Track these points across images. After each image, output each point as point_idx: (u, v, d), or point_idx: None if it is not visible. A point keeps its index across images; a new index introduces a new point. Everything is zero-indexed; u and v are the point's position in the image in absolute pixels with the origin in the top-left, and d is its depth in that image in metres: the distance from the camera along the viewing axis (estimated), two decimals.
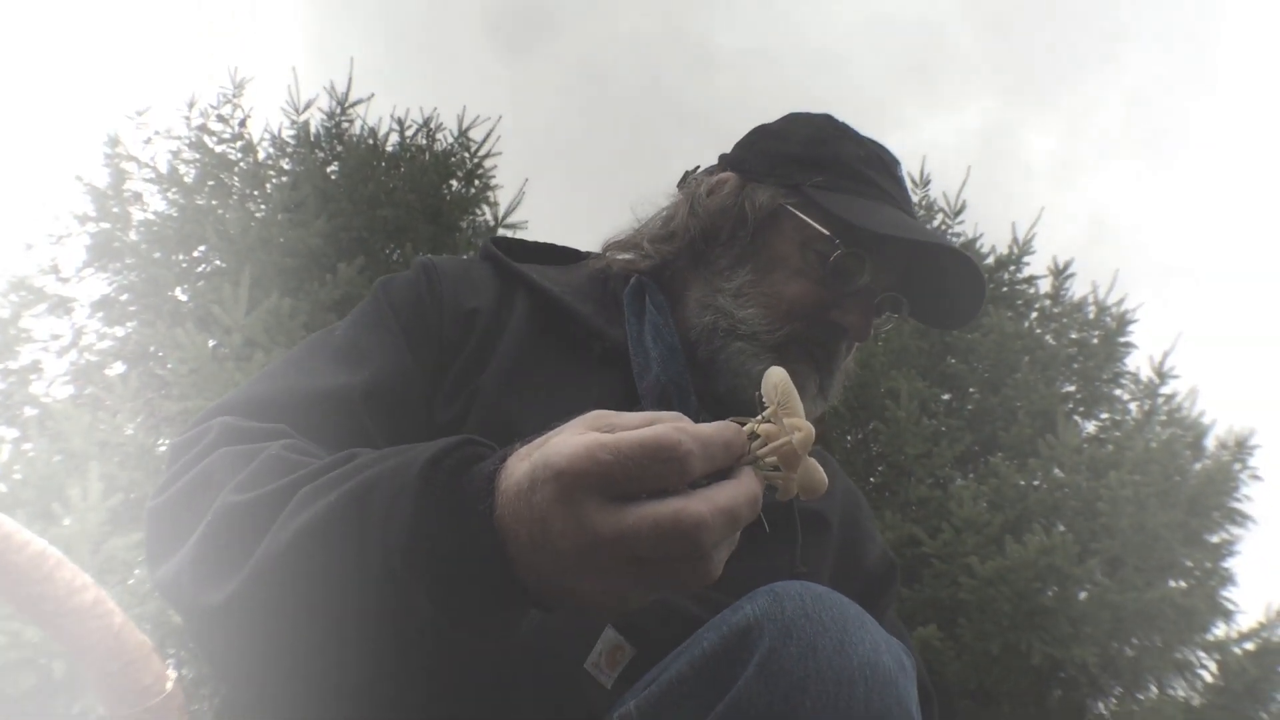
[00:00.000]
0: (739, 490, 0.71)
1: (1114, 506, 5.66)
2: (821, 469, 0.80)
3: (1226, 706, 5.40)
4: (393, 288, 1.24)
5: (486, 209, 7.67)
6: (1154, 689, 5.71)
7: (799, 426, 0.78)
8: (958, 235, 7.81)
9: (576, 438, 0.71)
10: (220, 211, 6.44)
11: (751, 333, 1.24)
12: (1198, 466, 6.04)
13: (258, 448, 0.96)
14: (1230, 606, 5.65)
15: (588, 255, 1.46)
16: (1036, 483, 6.25)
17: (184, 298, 6.42)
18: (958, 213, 7.77)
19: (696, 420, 1.13)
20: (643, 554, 0.68)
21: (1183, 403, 6.59)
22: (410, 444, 0.95)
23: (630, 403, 1.17)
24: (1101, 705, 5.89)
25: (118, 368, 6.13)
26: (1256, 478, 6.01)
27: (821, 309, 1.25)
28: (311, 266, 6.58)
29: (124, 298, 6.36)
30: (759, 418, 0.79)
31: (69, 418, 4.90)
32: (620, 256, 1.37)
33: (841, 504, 1.40)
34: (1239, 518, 5.93)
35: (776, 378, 0.81)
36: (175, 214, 6.48)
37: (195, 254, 6.62)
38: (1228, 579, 5.72)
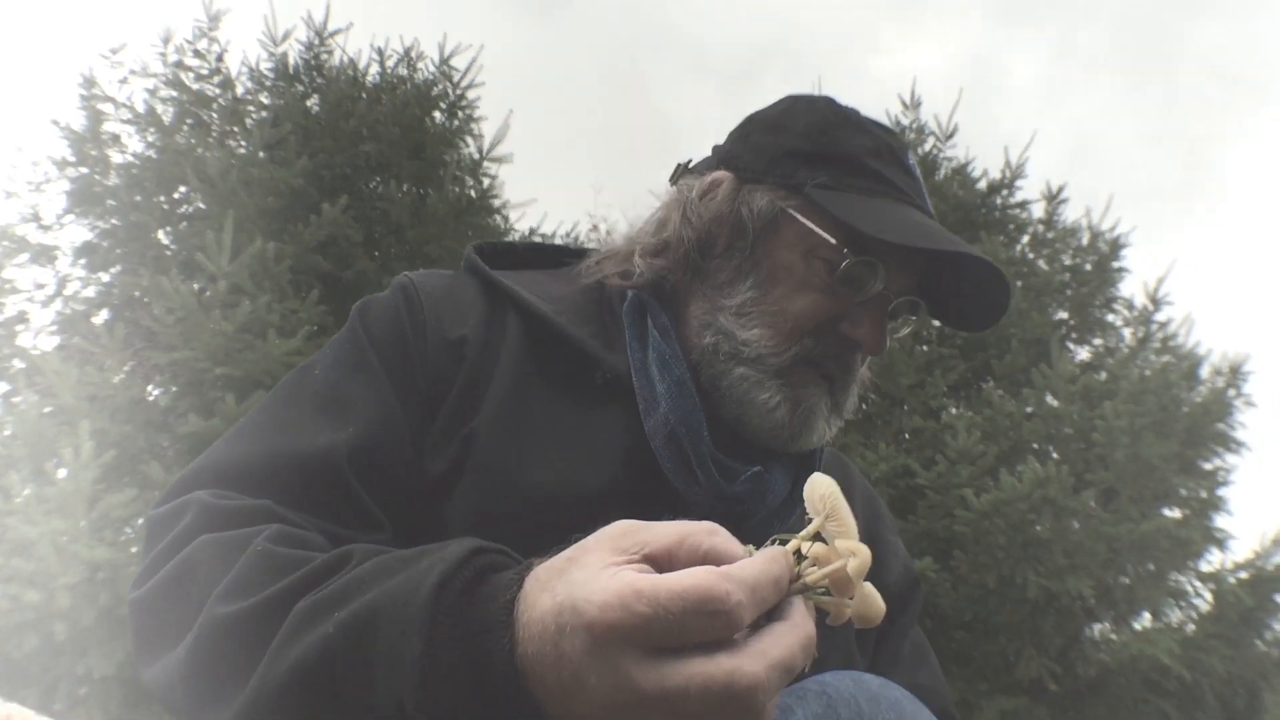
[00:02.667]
0: (794, 638, 0.66)
1: (1109, 437, 5.68)
2: (879, 595, 0.74)
3: (1222, 635, 5.48)
4: (370, 317, 1.15)
5: (470, 141, 7.53)
6: (1148, 617, 5.79)
7: (854, 550, 0.72)
8: (949, 159, 7.72)
9: (607, 580, 0.65)
10: (200, 151, 6.28)
11: (756, 356, 1.13)
12: (1193, 396, 6.05)
13: (242, 537, 0.89)
14: (1224, 535, 5.71)
15: (581, 253, 1.35)
16: (1030, 411, 6.26)
17: (167, 241, 6.29)
18: (949, 136, 7.68)
19: (706, 463, 1.07)
20: (690, 714, 0.63)
21: (1177, 330, 6.60)
22: (407, 547, 0.87)
23: (636, 442, 1.09)
24: (1097, 633, 5.98)
25: (103, 315, 6.04)
26: (1250, 404, 6.03)
27: (831, 322, 1.14)
28: (295, 207, 6.46)
29: (106, 244, 6.23)
30: (805, 534, 0.74)
31: (57, 372, 4.84)
32: (613, 274, 1.24)
33: (864, 521, 1.29)
34: (1234, 444, 5.97)
35: (823, 489, 0.74)
36: (154, 155, 6.32)
37: (176, 195, 6.48)
38: (1222, 506, 5.77)
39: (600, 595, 0.63)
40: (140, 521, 5.31)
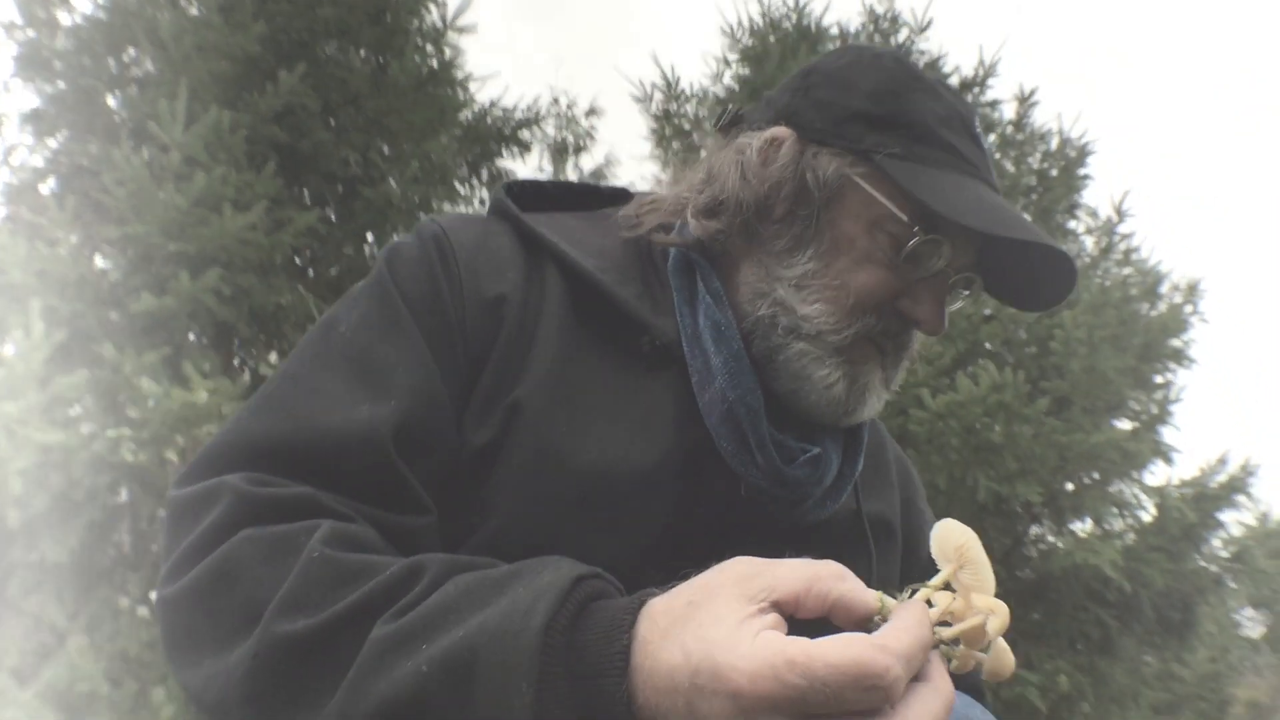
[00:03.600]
0: (938, 704, 0.64)
1: (1066, 347, 5.73)
2: (1010, 651, 0.72)
3: (1162, 548, 5.65)
4: (402, 272, 1.05)
5: (434, 9, 7.25)
6: (1091, 525, 5.96)
7: (993, 609, 0.70)
8: (922, 53, 7.57)
9: (752, 643, 0.62)
10: (151, 12, 5.98)
11: (816, 333, 1.06)
12: (1152, 313, 6.12)
13: (289, 536, 0.84)
14: (1171, 449, 5.85)
15: (614, 196, 1.26)
16: (989, 314, 6.29)
17: (117, 107, 6.04)
18: (924, 29, 7.52)
19: (766, 445, 1.03)
20: None
21: (1139, 246, 6.63)
22: (449, 527, 0.85)
23: (688, 415, 1.04)
24: (1041, 539, 6.16)
25: (51, 185, 5.82)
26: (1204, 320, 6.12)
27: (891, 299, 1.08)
28: (251, 74, 6.22)
29: (54, 110, 5.97)
30: (937, 583, 0.71)
31: (5, 247, 4.68)
32: (659, 235, 1.15)
33: (900, 491, 1.28)
34: (1186, 360, 6.07)
35: (958, 539, 0.71)
36: (104, 17, 6.01)
37: (126, 59, 6.20)
38: (1170, 421, 5.89)
39: (748, 664, 0.61)
40: (84, 402, 5.23)
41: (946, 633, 0.69)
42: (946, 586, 0.72)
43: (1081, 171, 7.02)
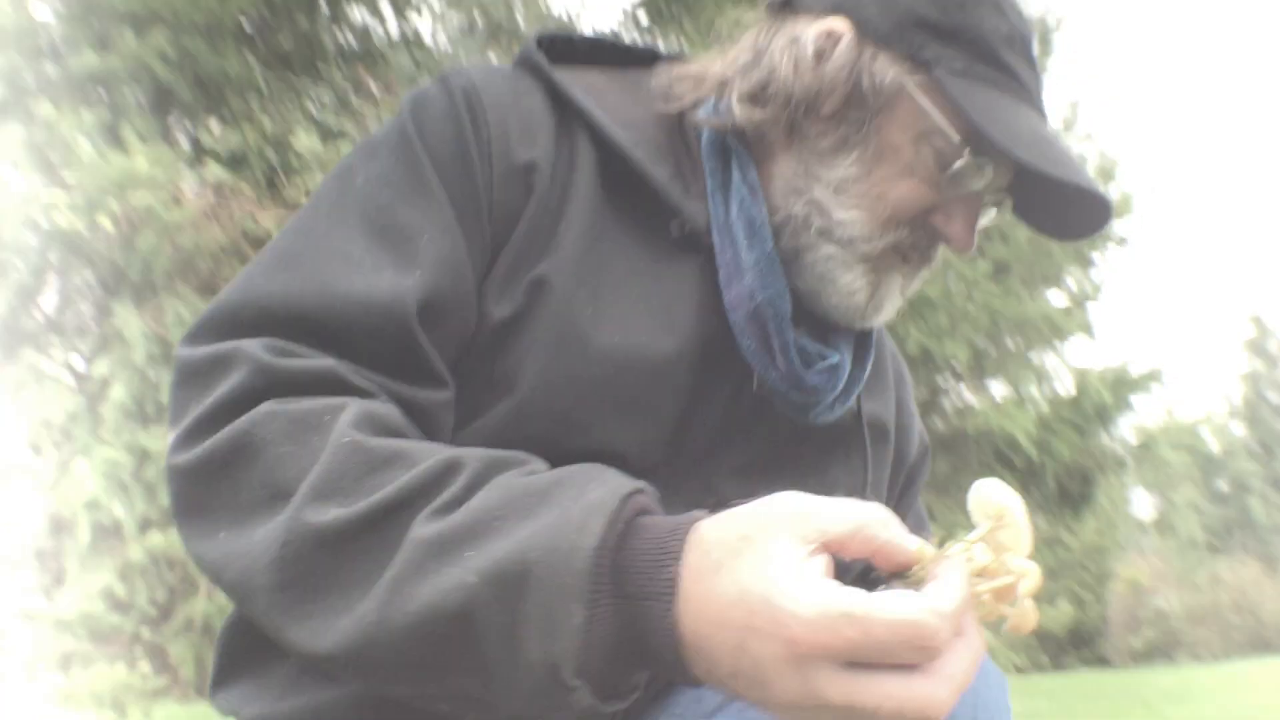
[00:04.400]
0: (972, 659, 0.66)
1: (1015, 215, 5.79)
2: (1035, 611, 0.74)
3: (1073, 423, 5.86)
4: (429, 128, 1.00)
5: None
6: (1008, 390, 6.15)
7: (1026, 571, 0.72)
8: None
9: (812, 591, 0.64)
10: None
11: (849, 239, 1.04)
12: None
13: (315, 414, 0.82)
14: (1093, 329, 6.01)
15: (645, 56, 1.20)
16: None
17: None
18: None
19: (789, 349, 1.01)
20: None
21: (1098, 125, 6.64)
22: (465, 403, 0.85)
23: (711, 308, 1.02)
24: (959, 398, 6.34)
25: None
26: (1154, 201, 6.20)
27: (924, 213, 1.06)
28: None
29: None
30: (975, 539, 0.72)
31: None
32: (695, 114, 1.10)
33: (894, 392, 1.28)
34: (1122, 241, 6.18)
35: (1001, 502, 0.73)
36: None
37: None
38: (1098, 298, 6.03)
39: (808, 613, 0.62)
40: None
41: (983, 589, 0.71)
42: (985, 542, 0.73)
43: (1048, 47, 6.97)
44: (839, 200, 1.04)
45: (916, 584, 0.67)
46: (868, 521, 0.68)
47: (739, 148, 1.09)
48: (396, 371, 0.90)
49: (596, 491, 0.71)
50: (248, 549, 0.78)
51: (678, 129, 1.10)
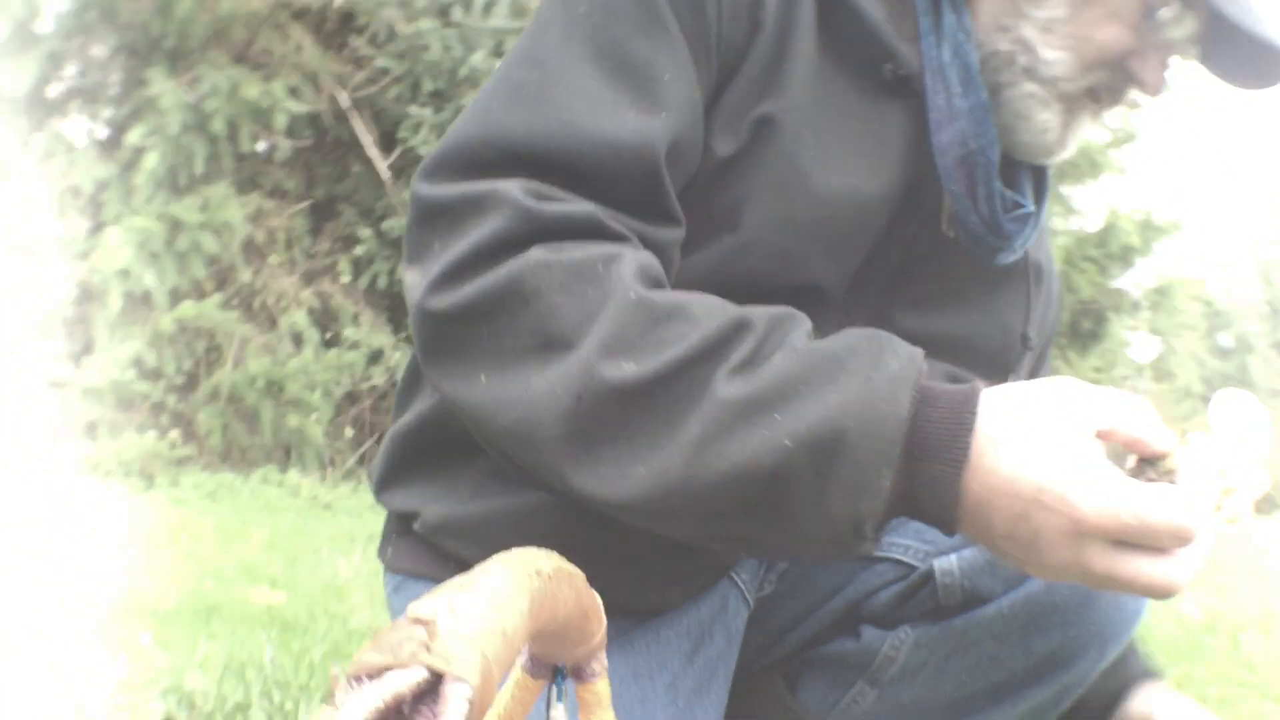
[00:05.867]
0: (1206, 551, 0.75)
1: None
2: (1251, 515, 0.82)
3: (1096, 260, 5.83)
4: None
5: None
6: None
7: (1259, 483, 0.80)
8: None
9: (1103, 480, 0.72)
10: None
11: (1052, 79, 1.04)
12: None
13: (589, 265, 0.82)
14: (1123, 170, 5.90)
15: None
16: None
17: None
18: None
19: (994, 197, 1.03)
20: (1116, 591, 0.77)
21: None
22: (801, 323, 0.84)
23: (916, 151, 1.03)
24: None
25: None
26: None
27: (1123, 56, 1.05)
28: None
29: None
30: (1219, 444, 0.80)
31: None
32: None
33: (1046, 237, 1.29)
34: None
35: (1251, 417, 0.80)
36: None
37: None
38: (1135, 141, 5.90)
39: (1096, 497, 0.71)
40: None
41: (1217, 497, 0.79)
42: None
43: None
44: (1046, 39, 1.04)
45: (1166, 474, 0.76)
46: (1135, 414, 0.76)
47: None
48: (643, 213, 0.91)
49: (894, 361, 0.77)
50: (526, 397, 0.81)
51: None
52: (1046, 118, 1.05)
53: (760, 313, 0.82)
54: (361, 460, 7.69)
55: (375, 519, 5.40)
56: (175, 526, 4.53)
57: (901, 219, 1.05)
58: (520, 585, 0.47)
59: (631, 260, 0.84)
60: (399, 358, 7.70)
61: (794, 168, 0.97)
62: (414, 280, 0.87)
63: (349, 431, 7.80)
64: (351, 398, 7.83)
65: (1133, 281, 6.64)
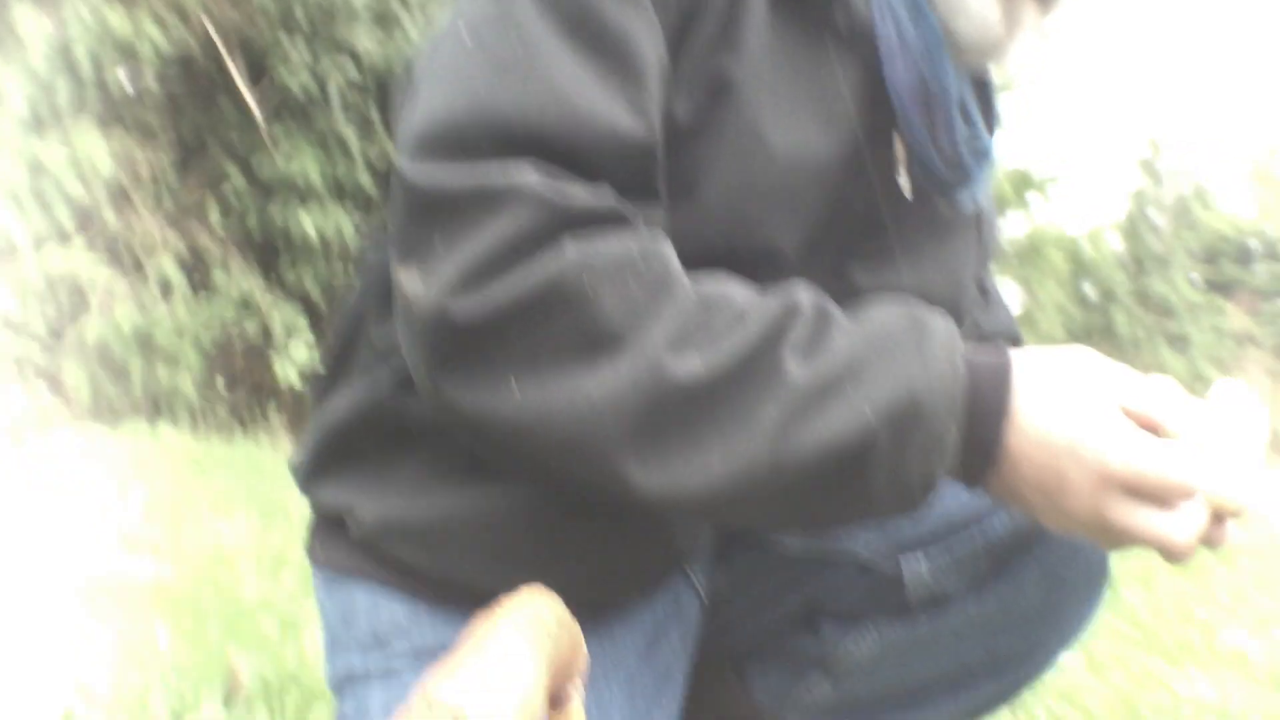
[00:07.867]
0: (1208, 514, 0.79)
1: None
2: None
3: None
4: None
5: None
6: None
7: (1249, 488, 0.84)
8: None
9: (1133, 439, 0.77)
10: None
11: None
12: None
13: (627, 258, 0.79)
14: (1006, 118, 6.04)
15: None
16: None
17: None
18: None
19: (953, 124, 0.99)
20: (1126, 543, 0.80)
21: None
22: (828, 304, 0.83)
23: (871, 97, 0.98)
24: None
25: None
26: None
27: None
28: None
29: None
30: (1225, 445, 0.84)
31: None
32: None
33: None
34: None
35: (1247, 409, 0.85)
36: None
37: None
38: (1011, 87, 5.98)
39: (1127, 454, 0.76)
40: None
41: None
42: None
43: None
44: None
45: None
46: (1154, 394, 0.81)
47: None
48: (639, 194, 0.86)
49: (937, 328, 0.80)
50: (579, 403, 0.77)
51: None
52: (981, 5, 0.98)
53: (800, 294, 0.82)
54: (232, 411, 7.53)
55: (255, 478, 5.35)
56: (49, 488, 4.36)
57: (859, 173, 1.02)
58: (538, 650, 0.46)
59: (664, 249, 0.82)
60: (269, 304, 7.53)
61: (753, 133, 0.93)
62: (415, 282, 0.79)
63: (220, 382, 7.62)
64: (222, 347, 7.65)
65: (1004, 234, 6.83)
